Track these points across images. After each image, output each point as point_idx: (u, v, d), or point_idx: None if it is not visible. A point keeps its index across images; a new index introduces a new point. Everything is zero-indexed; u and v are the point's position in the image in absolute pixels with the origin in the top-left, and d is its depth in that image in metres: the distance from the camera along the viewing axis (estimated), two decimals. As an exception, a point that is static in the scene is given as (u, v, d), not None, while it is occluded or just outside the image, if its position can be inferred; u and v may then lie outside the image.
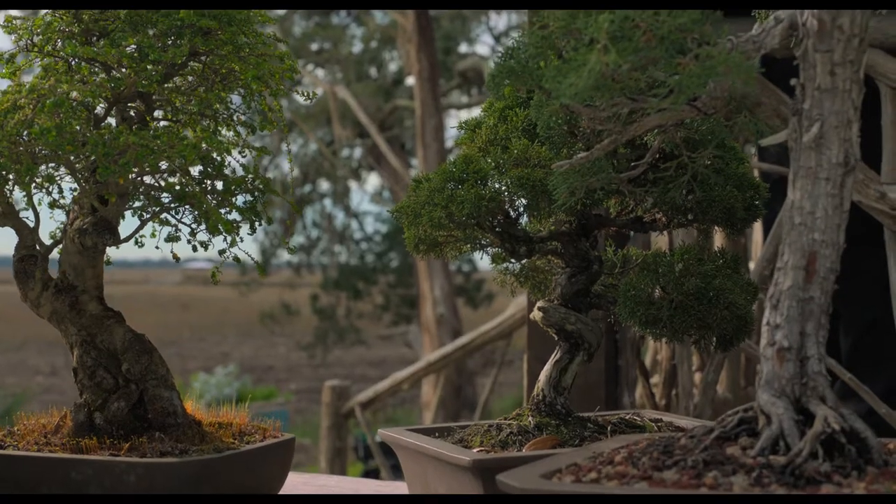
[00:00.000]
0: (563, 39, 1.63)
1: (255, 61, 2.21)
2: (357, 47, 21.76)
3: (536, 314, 2.46)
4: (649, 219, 2.42)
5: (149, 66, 2.10)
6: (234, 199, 2.28)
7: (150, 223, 2.34)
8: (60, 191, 2.36)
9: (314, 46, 21.64)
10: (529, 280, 2.63)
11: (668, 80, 1.59)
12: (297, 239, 22.49)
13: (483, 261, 23.38)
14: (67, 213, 2.41)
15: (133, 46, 2.14)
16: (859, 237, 3.07)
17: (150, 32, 2.18)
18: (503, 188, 2.25)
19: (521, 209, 2.33)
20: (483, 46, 26.51)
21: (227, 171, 2.23)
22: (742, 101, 1.78)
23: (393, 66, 21.19)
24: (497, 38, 20.09)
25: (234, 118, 2.46)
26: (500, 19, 19.29)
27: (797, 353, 1.71)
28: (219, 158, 2.13)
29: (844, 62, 1.65)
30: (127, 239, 2.35)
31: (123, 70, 2.13)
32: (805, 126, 1.68)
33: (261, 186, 2.28)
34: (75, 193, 2.27)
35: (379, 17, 19.85)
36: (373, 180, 21.17)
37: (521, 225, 2.39)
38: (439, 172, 2.28)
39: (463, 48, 21.08)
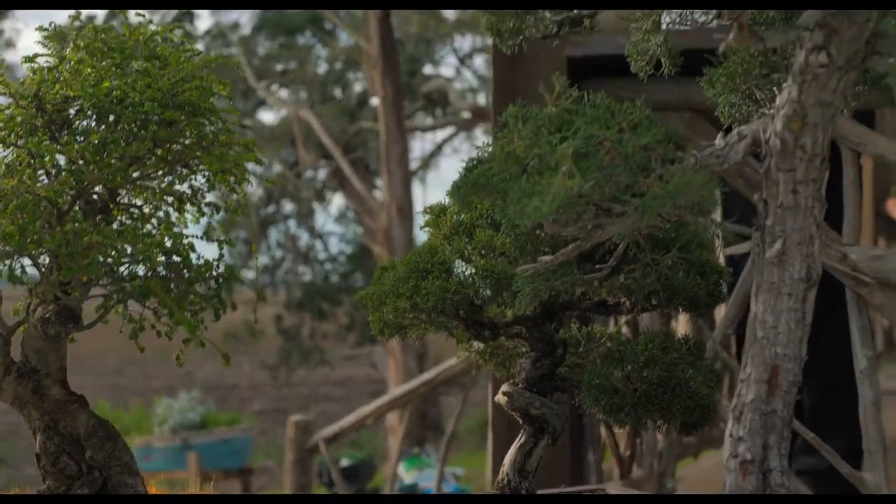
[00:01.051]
0: (529, 159, 1.63)
1: (220, 153, 2.21)
2: (322, 68, 21.73)
3: (501, 398, 2.46)
4: (613, 302, 2.43)
5: (112, 160, 2.09)
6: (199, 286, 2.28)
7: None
8: (23, 270, 2.34)
9: (279, 67, 21.58)
10: (494, 358, 2.63)
11: (632, 201, 1.60)
12: (261, 259, 22.40)
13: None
14: (30, 291, 2.39)
15: (97, 140, 2.13)
16: (822, 296, 3.09)
17: (113, 121, 2.17)
18: (468, 279, 2.26)
19: (486, 298, 2.33)
20: (448, 68, 26.57)
21: (192, 259, 2.23)
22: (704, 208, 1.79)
23: (358, 87, 21.17)
24: (462, 60, 20.12)
25: (199, 196, 2.45)
26: (465, 41, 19.29)
27: (760, 465, 1.72)
28: (181, 255, 2.12)
29: (807, 180, 1.67)
30: (91, 325, 2.33)
31: (86, 164, 2.12)
32: (768, 242, 1.70)
33: (226, 275, 2.28)
34: (37, 285, 2.26)
35: (344, 38, 19.83)
36: (337, 201, 21.07)
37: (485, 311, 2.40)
38: (405, 262, 2.29)
39: (428, 69, 21.09)
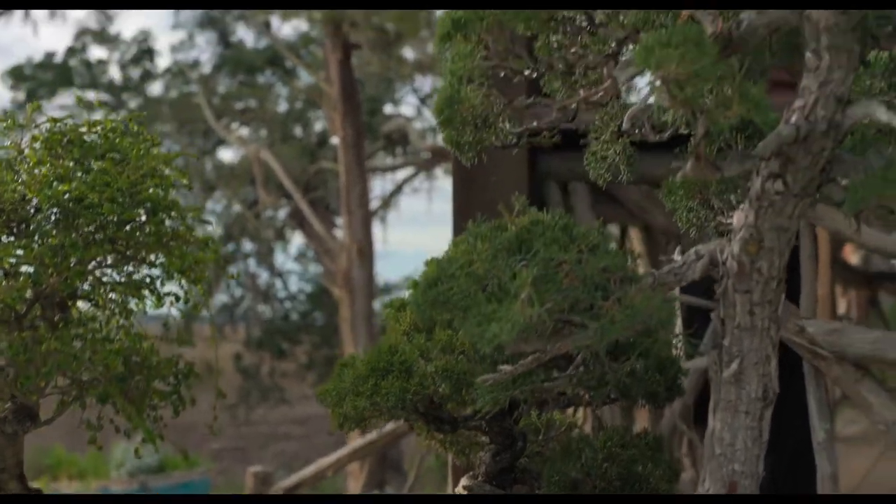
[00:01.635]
0: (489, 279, 1.64)
1: (179, 251, 2.20)
2: (282, 106, 21.70)
3: (461, 491, 2.46)
4: (572, 393, 2.43)
5: (71, 264, 2.08)
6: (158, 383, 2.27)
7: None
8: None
9: (239, 105, 21.55)
10: (454, 446, 2.64)
11: (591, 324, 1.61)
12: (221, 297, 22.31)
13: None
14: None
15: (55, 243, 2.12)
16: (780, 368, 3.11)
17: (72, 221, 2.16)
18: (428, 377, 2.26)
19: (446, 396, 2.34)
20: (408, 107, 26.60)
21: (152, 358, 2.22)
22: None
23: (318, 126, 21.15)
24: (423, 100, 20.13)
25: (158, 284, 2.45)
26: (426, 82, 19.33)
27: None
28: (140, 356, 2.11)
29: (763, 302, 1.69)
30: (48, 422, 2.32)
31: (44, 267, 2.11)
32: (725, 361, 1.71)
33: (185, 371, 2.27)
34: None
35: (305, 77, 19.82)
36: (298, 239, 20.99)
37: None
38: (365, 361, 2.29)
39: (388, 109, 21.10)
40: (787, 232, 1.64)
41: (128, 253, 2.26)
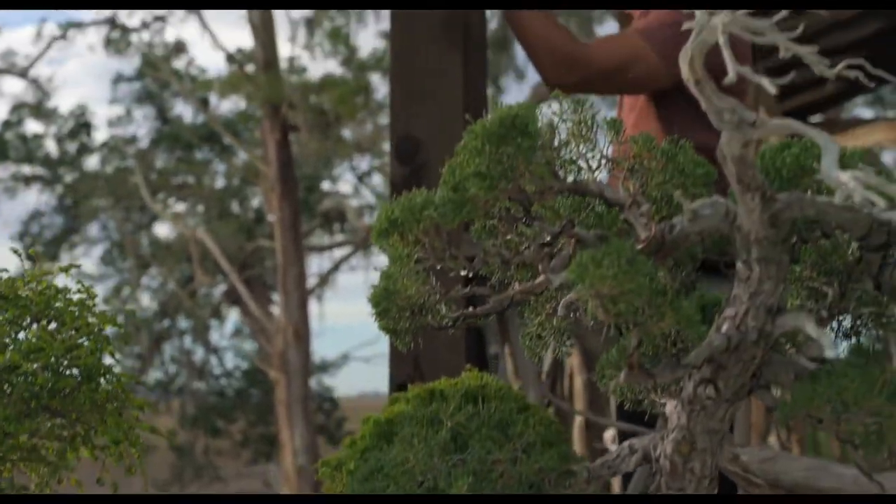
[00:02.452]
0: (423, 477, 1.65)
1: (114, 421, 2.18)
2: (220, 182, 21.69)
3: None
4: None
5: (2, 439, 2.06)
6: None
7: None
8: None
9: (177, 180, 21.52)
10: None
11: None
12: (155, 374, 22.13)
13: (343, 394, 23.27)
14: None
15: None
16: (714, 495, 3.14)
17: (3, 390, 2.14)
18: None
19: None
20: (345, 184, 26.69)
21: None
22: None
23: (255, 202, 21.15)
24: (360, 178, 20.21)
25: (91, 435, 2.42)
26: (363, 160, 19.42)
27: None
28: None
29: None
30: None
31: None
32: (659, 557, 1.72)
33: None
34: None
35: (242, 154, 19.83)
36: (234, 315, 20.93)
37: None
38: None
39: (326, 185, 21.16)
40: (718, 433, 1.66)
41: (61, 421, 2.24)
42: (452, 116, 3.78)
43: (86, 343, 2.25)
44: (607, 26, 15.00)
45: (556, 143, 1.74)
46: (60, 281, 2.48)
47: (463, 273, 1.70)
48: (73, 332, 2.26)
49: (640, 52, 3.35)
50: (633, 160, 1.80)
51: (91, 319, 2.36)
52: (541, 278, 1.73)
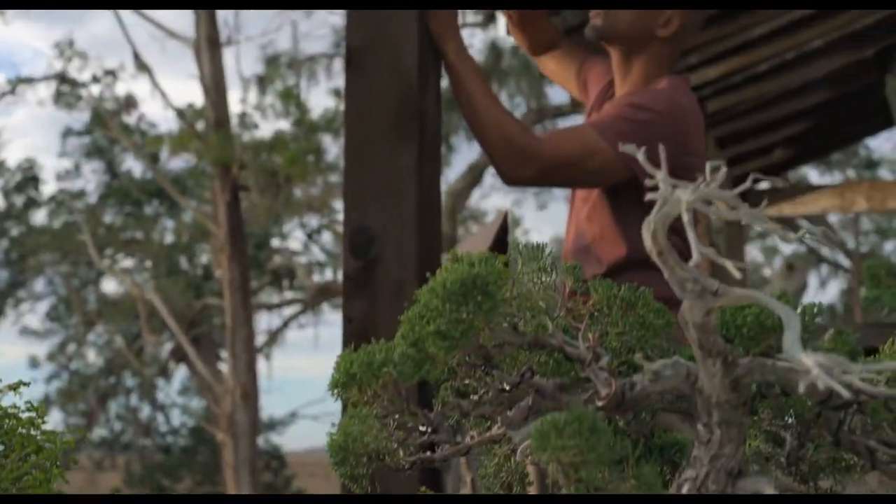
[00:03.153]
0: None
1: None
2: (169, 238, 21.56)
3: None
4: None
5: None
6: None
7: None
8: None
9: (125, 235, 21.37)
10: None
11: None
12: (100, 431, 21.86)
13: (291, 449, 23.09)
14: None
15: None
16: None
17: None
18: None
19: None
20: (295, 241, 26.61)
21: None
22: None
23: (204, 258, 21.04)
24: (310, 236, 20.17)
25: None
26: (313, 218, 19.38)
27: None
28: None
29: None
30: None
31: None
32: None
33: None
34: None
35: (189, 216, 19.73)
36: (181, 372, 20.75)
37: None
38: None
39: (276, 242, 21.09)
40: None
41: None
42: (407, 210, 3.76)
43: (34, 472, 2.20)
44: (557, 90, 15.05)
45: (515, 293, 1.73)
46: (7, 400, 2.44)
47: (422, 428, 1.69)
48: (21, 462, 2.22)
49: (594, 146, 3.35)
50: (593, 307, 1.79)
51: (40, 439, 2.32)
52: (499, 429, 1.71)
